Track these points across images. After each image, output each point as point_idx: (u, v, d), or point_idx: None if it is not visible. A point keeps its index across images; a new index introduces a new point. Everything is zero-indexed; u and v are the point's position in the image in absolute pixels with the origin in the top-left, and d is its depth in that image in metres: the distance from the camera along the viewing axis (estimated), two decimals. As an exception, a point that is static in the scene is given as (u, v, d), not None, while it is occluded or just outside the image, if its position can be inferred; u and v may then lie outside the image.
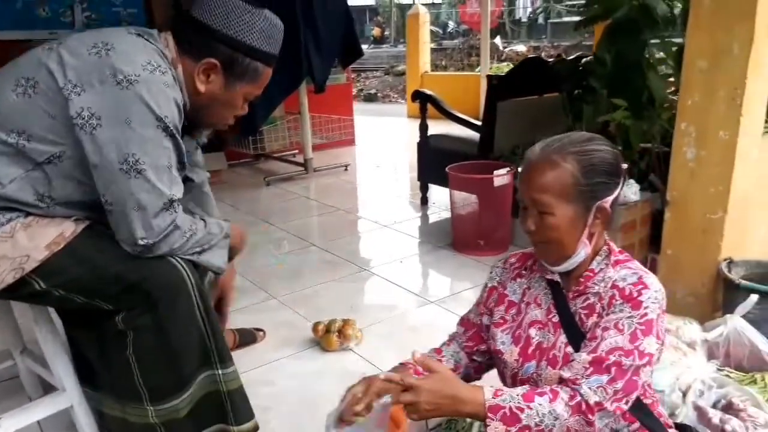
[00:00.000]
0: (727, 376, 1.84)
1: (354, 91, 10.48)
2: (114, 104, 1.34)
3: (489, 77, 3.75)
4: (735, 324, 1.94)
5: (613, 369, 1.12)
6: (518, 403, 1.11)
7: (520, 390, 1.14)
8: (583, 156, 1.19)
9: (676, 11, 2.89)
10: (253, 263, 3.20)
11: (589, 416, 1.10)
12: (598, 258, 1.26)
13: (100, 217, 1.45)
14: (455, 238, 3.49)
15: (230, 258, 1.76)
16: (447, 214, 3.73)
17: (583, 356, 1.15)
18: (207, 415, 1.62)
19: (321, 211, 4.45)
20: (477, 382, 1.30)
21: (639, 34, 2.89)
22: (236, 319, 2.38)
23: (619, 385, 1.11)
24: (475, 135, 3.81)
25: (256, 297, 2.60)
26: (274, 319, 2.61)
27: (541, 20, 17.69)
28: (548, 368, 1.23)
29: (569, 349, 1.21)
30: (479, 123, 3.77)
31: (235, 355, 2.30)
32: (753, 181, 2.17)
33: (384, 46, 20.38)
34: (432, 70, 9.47)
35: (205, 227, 1.56)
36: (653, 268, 2.48)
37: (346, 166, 5.59)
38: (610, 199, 1.20)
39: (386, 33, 22.31)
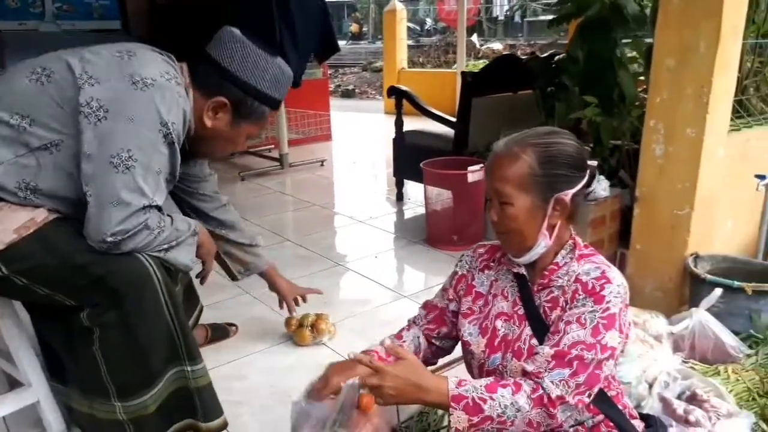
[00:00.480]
0: (691, 368, 1.88)
1: (331, 86, 10.46)
2: (124, 100, 1.38)
3: (464, 74, 3.76)
4: (700, 317, 1.98)
5: (575, 363, 1.13)
6: (481, 393, 1.12)
7: (483, 381, 1.16)
8: (543, 148, 1.21)
9: (647, 10, 2.93)
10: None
11: (551, 409, 1.12)
12: (562, 252, 1.27)
13: (76, 215, 1.44)
14: (429, 234, 3.51)
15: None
16: (422, 210, 3.74)
17: (546, 350, 1.17)
18: (176, 410, 1.60)
19: (296, 206, 4.43)
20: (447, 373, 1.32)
21: (610, 33, 2.93)
22: (209, 314, 2.36)
23: (581, 378, 1.13)
24: (450, 131, 3.83)
25: (229, 292, 2.59)
26: (246, 314, 2.59)
27: (517, 18, 17.81)
28: (513, 360, 1.24)
29: (534, 341, 1.23)
30: (454, 119, 3.79)
31: (207, 350, 2.30)
32: (718, 177, 2.22)
33: (362, 42, 20.35)
34: (409, 67, 9.48)
35: (172, 224, 1.55)
36: (622, 263, 2.53)
37: (322, 161, 5.57)
38: (571, 192, 1.21)
39: (364, 29, 22.27)
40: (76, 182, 1.41)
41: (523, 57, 3.90)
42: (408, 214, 4.15)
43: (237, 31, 1.56)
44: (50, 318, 1.58)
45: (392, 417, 1.55)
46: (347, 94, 11.96)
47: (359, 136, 7.24)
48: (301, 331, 2.34)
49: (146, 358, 1.51)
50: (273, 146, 5.68)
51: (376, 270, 3.12)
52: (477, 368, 1.33)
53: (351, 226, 3.89)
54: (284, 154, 5.28)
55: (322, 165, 5.53)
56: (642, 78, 2.97)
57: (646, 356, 1.85)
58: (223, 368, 2.21)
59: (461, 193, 3.24)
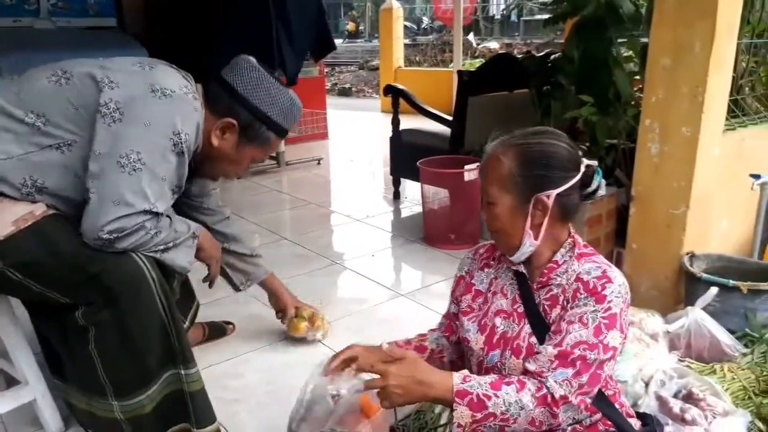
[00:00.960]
0: (687, 366, 1.89)
1: (328, 85, 10.44)
2: (141, 105, 1.42)
3: (460, 72, 3.77)
4: (696, 316, 1.99)
5: (578, 363, 1.14)
6: (485, 390, 1.13)
7: (488, 378, 1.16)
8: (523, 148, 1.22)
9: (643, 10, 2.94)
10: (223, 257, 3.17)
11: (554, 409, 1.12)
12: (561, 250, 1.28)
13: (76, 215, 1.45)
14: (426, 232, 3.51)
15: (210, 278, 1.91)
16: (419, 209, 3.74)
17: (549, 349, 1.17)
18: (172, 413, 1.61)
19: (293, 204, 4.43)
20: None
21: (606, 32, 2.94)
22: (205, 312, 2.36)
23: (584, 378, 1.14)
24: (446, 130, 3.83)
25: (226, 290, 2.58)
26: (244, 313, 2.59)
27: (514, 17, 17.82)
28: (512, 357, 1.25)
29: (533, 339, 1.23)
30: (450, 118, 3.79)
31: (205, 348, 2.31)
32: (714, 177, 2.23)
33: (358, 40, 20.32)
34: (406, 66, 9.48)
35: (170, 225, 1.55)
36: (619, 262, 2.54)
37: (319, 160, 5.57)
38: (553, 192, 1.21)
39: (361, 28, 22.24)
40: (81, 183, 1.43)
41: (520, 56, 3.91)
42: (405, 212, 4.15)
43: (253, 60, 1.62)
44: (47, 316, 1.58)
45: (390, 416, 1.56)
46: (344, 93, 11.95)
47: (356, 135, 7.24)
48: (296, 323, 2.32)
49: (142, 356, 1.51)
50: (269, 145, 5.67)
51: (373, 269, 3.12)
52: (476, 365, 1.33)
53: (348, 225, 3.89)
54: (281, 153, 5.28)
55: (318, 163, 5.52)
56: (637, 77, 2.98)
57: (642, 355, 1.85)
58: (220, 366, 2.21)
59: (458, 192, 3.24)
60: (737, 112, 2.43)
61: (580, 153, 1.28)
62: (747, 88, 2.59)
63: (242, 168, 1.73)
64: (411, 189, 4.31)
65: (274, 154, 5.28)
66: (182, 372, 1.58)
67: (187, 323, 2.12)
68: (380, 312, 2.65)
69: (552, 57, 3.54)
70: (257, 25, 4.01)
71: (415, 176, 3.58)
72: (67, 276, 1.44)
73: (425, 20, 19.47)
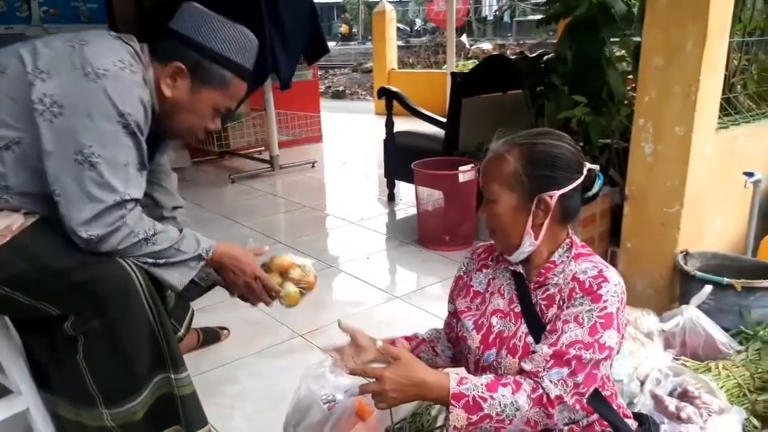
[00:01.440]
0: (683, 365, 1.89)
1: (322, 88, 10.44)
2: (77, 95, 1.34)
3: (453, 74, 3.77)
4: (690, 314, 1.99)
5: (573, 362, 1.14)
6: (481, 392, 1.12)
7: (484, 380, 1.16)
8: (528, 148, 1.22)
9: (635, 10, 2.95)
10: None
11: (550, 409, 1.12)
12: (559, 251, 1.28)
13: (54, 215, 1.41)
14: (421, 234, 3.51)
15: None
16: (414, 211, 3.74)
17: (545, 349, 1.17)
18: (163, 416, 1.58)
19: (287, 208, 4.42)
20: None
21: (598, 32, 2.95)
22: (200, 317, 2.34)
23: (579, 378, 1.13)
24: (440, 132, 3.83)
25: (220, 295, 2.56)
26: (238, 318, 2.58)
27: (506, 18, 17.87)
28: (508, 357, 1.24)
29: (529, 338, 1.23)
30: (444, 120, 3.79)
31: (199, 353, 2.30)
32: (707, 175, 2.23)
33: (352, 43, 20.35)
34: (399, 68, 9.49)
35: (174, 242, 1.48)
36: (613, 261, 2.54)
37: (313, 163, 5.56)
38: (557, 193, 1.21)
39: (354, 30, 22.27)
40: (42, 177, 1.37)
41: (513, 57, 3.91)
42: (399, 214, 4.15)
43: (198, 5, 1.52)
44: (34, 328, 1.55)
45: (386, 418, 1.56)
46: (337, 95, 11.96)
47: (350, 138, 7.24)
48: (289, 294, 1.77)
49: (131, 365, 1.49)
50: (263, 148, 5.68)
51: (368, 271, 3.12)
52: (473, 364, 1.33)
53: (342, 228, 3.88)
54: (275, 156, 5.27)
55: (313, 167, 5.52)
56: (630, 77, 2.99)
57: (637, 354, 1.86)
58: (215, 372, 2.20)
59: (452, 194, 3.24)
60: (730, 110, 2.44)
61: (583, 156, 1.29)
62: (739, 87, 2.60)
63: (206, 118, 1.57)
64: (405, 191, 4.31)
65: (268, 158, 5.28)
66: (172, 376, 1.56)
67: (182, 330, 2.10)
68: (376, 315, 2.64)
69: (545, 58, 3.55)
70: (249, 28, 4.00)
71: (409, 178, 3.58)
72: (53, 286, 1.41)
73: (418, 22, 19.51)
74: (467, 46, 12.41)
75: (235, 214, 4.16)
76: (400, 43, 12.03)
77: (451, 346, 1.48)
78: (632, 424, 1.29)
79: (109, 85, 1.35)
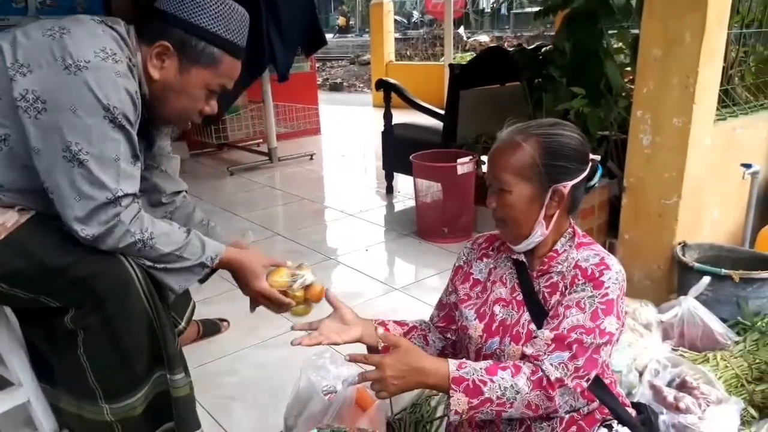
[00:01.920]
0: (681, 355, 1.90)
1: (319, 80, 10.42)
2: (60, 89, 1.29)
3: (451, 66, 3.77)
4: (688, 305, 2.00)
5: (574, 346, 1.15)
6: (481, 376, 1.13)
7: (483, 364, 1.17)
8: (545, 138, 1.22)
9: (633, 1, 2.94)
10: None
11: (550, 391, 1.13)
12: (562, 240, 1.29)
13: (48, 210, 1.39)
14: (420, 226, 3.51)
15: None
16: (412, 203, 3.75)
17: (546, 333, 1.18)
18: (162, 412, 1.58)
19: (286, 200, 4.42)
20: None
21: (596, 24, 2.94)
22: (200, 309, 2.35)
23: (580, 362, 1.14)
24: (438, 124, 3.83)
25: (220, 287, 2.57)
26: (238, 310, 2.57)
27: (504, 11, 17.79)
28: (511, 344, 1.26)
29: (532, 326, 1.24)
30: (442, 112, 3.79)
31: (199, 346, 2.30)
32: (705, 167, 2.24)
33: (349, 35, 20.24)
34: (397, 60, 9.46)
35: (176, 248, 1.44)
36: (611, 253, 2.55)
37: (312, 155, 5.56)
38: (570, 184, 1.22)
39: (351, 22, 22.17)
40: (33, 173, 1.34)
41: (510, 49, 3.90)
42: (398, 206, 4.15)
43: None
44: (35, 321, 1.54)
45: (386, 408, 1.57)
46: (335, 88, 11.92)
47: (348, 130, 7.23)
48: (296, 312, 1.77)
49: (131, 361, 1.48)
50: (261, 140, 5.66)
51: (367, 263, 3.13)
52: (474, 352, 1.34)
53: (341, 220, 3.89)
54: (273, 149, 5.26)
55: (311, 159, 5.51)
56: (629, 69, 2.99)
57: (636, 345, 1.87)
58: (215, 363, 2.20)
59: (451, 185, 3.24)
60: (728, 102, 2.44)
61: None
62: (737, 78, 2.60)
63: (199, 100, 1.48)
64: (404, 183, 4.31)
65: (266, 150, 5.27)
66: (168, 377, 1.55)
67: (183, 323, 2.09)
68: (374, 306, 2.65)
69: (543, 49, 3.54)
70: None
71: (407, 170, 3.58)
72: (52, 282, 1.40)
73: (415, 14, 19.41)
74: (464, 38, 12.37)
75: (234, 206, 4.16)
76: (398, 35, 11.98)
77: (441, 337, 1.48)
78: (631, 413, 1.30)
79: (90, 77, 1.29)
